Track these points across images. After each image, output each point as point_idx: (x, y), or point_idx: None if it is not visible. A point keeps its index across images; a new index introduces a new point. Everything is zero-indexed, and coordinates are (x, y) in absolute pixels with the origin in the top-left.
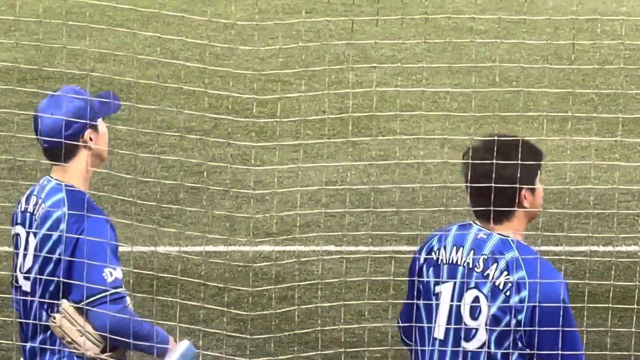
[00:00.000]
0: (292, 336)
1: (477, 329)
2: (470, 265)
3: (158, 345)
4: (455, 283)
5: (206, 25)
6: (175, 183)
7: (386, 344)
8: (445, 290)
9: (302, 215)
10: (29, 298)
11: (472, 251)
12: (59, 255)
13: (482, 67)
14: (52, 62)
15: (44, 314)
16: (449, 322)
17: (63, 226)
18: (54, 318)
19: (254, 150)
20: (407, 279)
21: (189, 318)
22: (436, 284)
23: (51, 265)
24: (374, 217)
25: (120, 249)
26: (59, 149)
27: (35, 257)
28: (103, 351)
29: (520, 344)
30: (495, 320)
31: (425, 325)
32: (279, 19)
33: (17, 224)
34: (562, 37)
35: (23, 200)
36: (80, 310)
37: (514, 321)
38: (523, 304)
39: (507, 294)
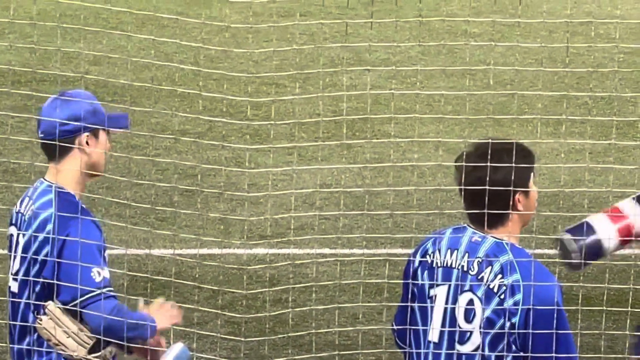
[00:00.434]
0: (286, 339)
1: (471, 332)
2: (465, 268)
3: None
4: (449, 286)
5: (201, 28)
6: (170, 186)
7: (380, 347)
8: (440, 293)
9: (296, 217)
10: (16, 299)
11: (467, 254)
12: (46, 256)
13: (476, 70)
14: (46, 64)
15: (31, 315)
16: (443, 324)
17: (50, 227)
18: (40, 320)
19: (249, 152)
20: (402, 281)
21: (183, 320)
22: (431, 286)
23: (37, 267)
24: (369, 220)
25: (115, 251)
26: (51, 145)
27: (22, 258)
28: (90, 352)
29: (514, 347)
30: (489, 323)
31: (419, 328)
32: (274, 21)
33: (11, 224)
34: (556, 40)
35: (19, 201)
36: (67, 311)
37: (508, 324)
38: (517, 307)
39: (502, 297)
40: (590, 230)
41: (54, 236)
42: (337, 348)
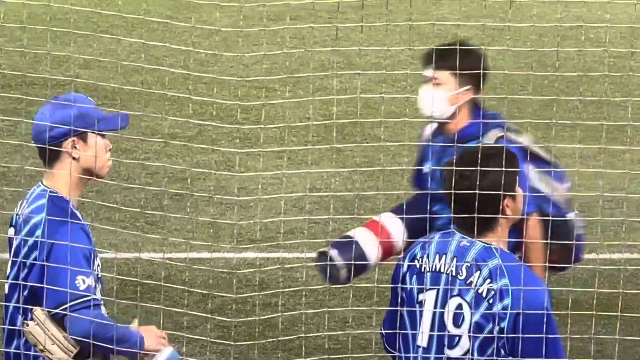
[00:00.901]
0: (275, 343)
1: (460, 337)
2: (454, 273)
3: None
4: (438, 291)
5: (190, 32)
6: (160, 189)
7: (370, 351)
8: (429, 297)
9: (286, 222)
10: (4, 303)
11: (456, 259)
12: (34, 260)
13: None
14: (36, 68)
15: (19, 319)
16: (432, 329)
17: (39, 232)
18: (27, 325)
19: (238, 156)
20: (391, 286)
21: (172, 324)
22: (419, 291)
23: (25, 271)
24: (359, 224)
25: (104, 255)
26: (44, 150)
27: (13, 262)
28: (75, 359)
29: (503, 352)
30: (478, 327)
31: (409, 332)
32: (264, 25)
33: (10, 226)
34: (546, 44)
35: (18, 204)
36: (53, 318)
37: (497, 329)
38: (506, 312)
39: (490, 301)
40: (354, 245)
41: (42, 240)
42: (326, 352)
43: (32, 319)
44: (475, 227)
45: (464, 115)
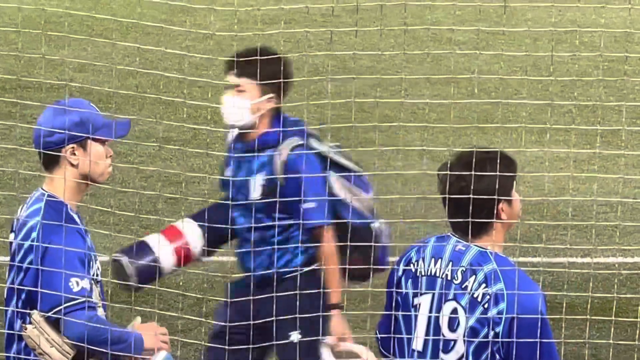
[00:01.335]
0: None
1: (455, 341)
2: (449, 277)
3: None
4: (433, 295)
5: (185, 36)
6: (154, 193)
7: None
8: (424, 301)
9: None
10: (3, 307)
11: (451, 263)
12: (29, 264)
13: (461, 78)
14: (31, 71)
15: (18, 323)
16: (427, 333)
17: (34, 235)
18: (26, 328)
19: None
20: (386, 290)
21: (167, 328)
22: (415, 295)
23: (22, 275)
24: None
25: (99, 258)
26: (42, 154)
27: (11, 266)
28: None
29: (498, 356)
30: (473, 332)
31: (404, 336)
32: (258, 29)
33: (11, 231)
34: (541, 49)
35: (19, 208)
36: (49, 320)
37: (492, 333)
38: (501, 316)
39: (485, 306)
40: (148, 250)
41: (37, 243)
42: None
43: (30, 323)
44: (470, 228)
45: (265, 124)
